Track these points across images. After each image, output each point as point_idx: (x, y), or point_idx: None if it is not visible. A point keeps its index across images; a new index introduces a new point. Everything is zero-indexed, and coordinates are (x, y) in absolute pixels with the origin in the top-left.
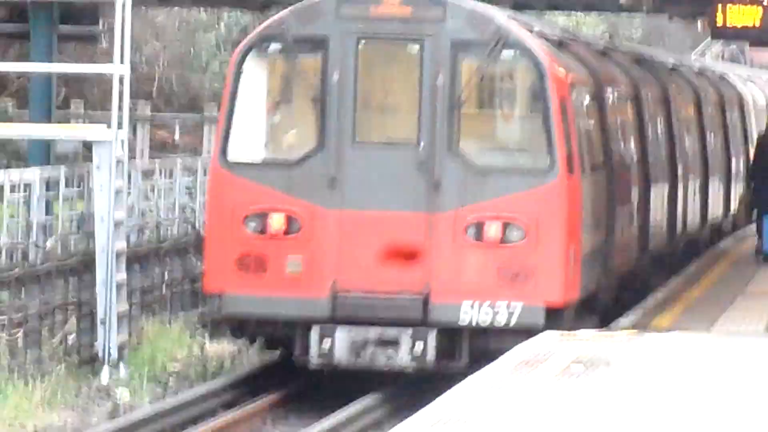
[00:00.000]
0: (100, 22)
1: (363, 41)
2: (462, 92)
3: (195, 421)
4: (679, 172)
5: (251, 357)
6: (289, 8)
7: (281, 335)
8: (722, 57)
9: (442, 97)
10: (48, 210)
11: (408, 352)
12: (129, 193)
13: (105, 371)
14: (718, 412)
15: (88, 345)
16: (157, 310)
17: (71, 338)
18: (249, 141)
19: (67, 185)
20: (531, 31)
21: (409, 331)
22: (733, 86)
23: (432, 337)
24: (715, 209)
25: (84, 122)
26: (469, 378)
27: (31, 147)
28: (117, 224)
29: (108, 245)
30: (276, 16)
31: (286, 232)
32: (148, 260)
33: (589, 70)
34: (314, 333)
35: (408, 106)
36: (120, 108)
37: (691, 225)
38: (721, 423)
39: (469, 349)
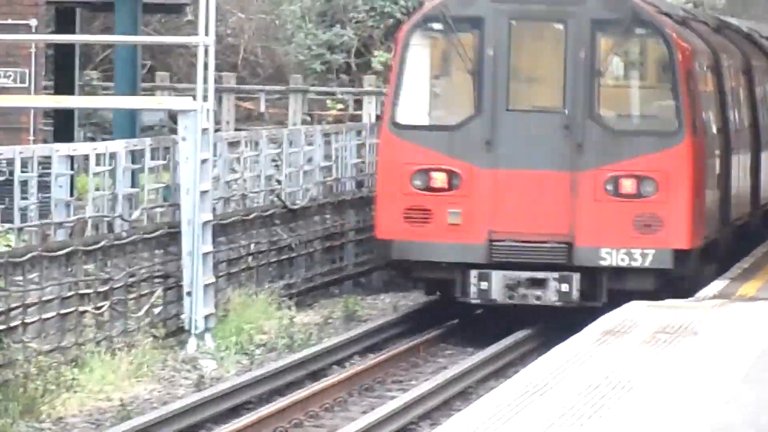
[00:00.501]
0: None
1: (514, 21)
2: (601, 65)
3: (281, 392)
4: None
5: (338, 328)
6: None
7: (443, 278)
8: None
9: (583, 69)
10: (134, 182)
11: (555, 292)
12: (214, 165)
13: (191, 342)
14: None
15: (174, 316)
16: (243, 282)
17: (158, 310)
18: (415, 108)
19: (152, 157)
20: (660, 11)
21: (556, 273)
22: None
23: (576, 279)
24: None
25: (169, 94)
26: (556, 347)
27: (117, 119)
28: (203, 195)
29: (194, 216)
30: (438, 0)
31: (447, 188)
32: (234, 231)
33: (708, 45)
34: (473, 275)
35: (554, 78)
36: (205, 79)
37: None
38: None
39: (608, 289)
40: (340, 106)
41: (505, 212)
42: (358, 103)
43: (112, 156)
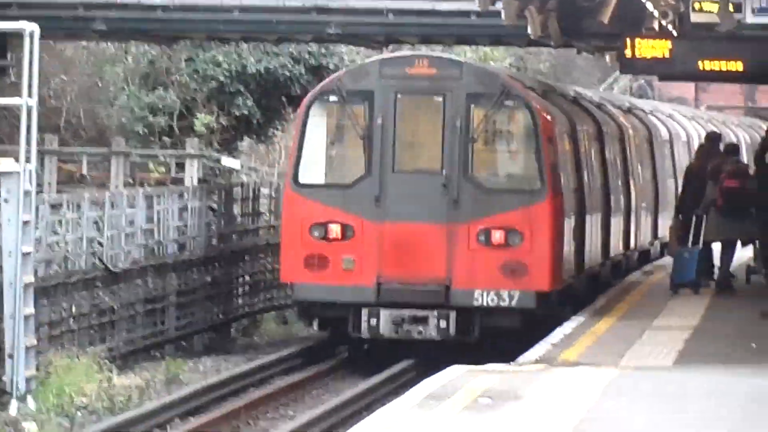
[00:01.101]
0: (8, 56)
1: (400, 94)
2: (474, 132)
3: None
4: (632, 196)
5: (159, 390)
6: (344, 70)
7: (338, 315)
8: (630, 91)
9: (459, 136)
10: None
11: (435, 328)
12: (37, 227)
13: (13, 405)
14: None
15: None
16: (65, 344)
17: None
18: (314, 169)
19: None
20: (525, 86)
21: (435, 312)
22: (662, 123)
23: (452, 317)
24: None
25: None
26: (377, 412)
27: None
28: (25, 257)
29: (16, 278)
30: (333, 75)
31: (342, 238)
32: (55, 294)
33: (565, 114)
34: (364, 313)
35: (434, 143)
36: (28, 141)
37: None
38: None
39: (480, 326)
40: (162, 169)
41: (392, 259)
42: (180, 166)
43: None
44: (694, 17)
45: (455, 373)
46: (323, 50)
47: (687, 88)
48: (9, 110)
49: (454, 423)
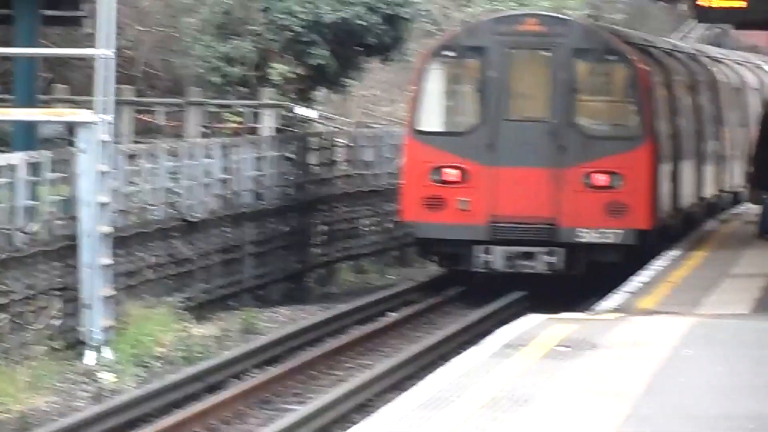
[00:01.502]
0: (82, 6)
1: (511, 49)
2: (578, 84)
3: (179, 404)
4: (724, 142)
5: (236, 340)
6: (462, 27)
7: (455, 252)
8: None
9: (565, 87)
10: (33, 194)
11: (544, 263)
12: (113, 177)
13: (90, 355)
14: (697, 395)
15: (73, 329)
16: (142, 294)
17: (57, 322)
18: (432, 118)
19: (52, 169)
20: (625, 41)
21: (545, 248)
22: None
23: (561, 252)
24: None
25: (69, 107)
26: (455, 360)
27: (15, 131)
28: (101, 208)
29: (93, 229)
30: (449, 32)
31: (458, 181)
32: (132, 244)
33: (662, 66)
34: (478, 250)
35: (542, 94)
36: (104, 92)
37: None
38: (703, 406)
39: (586, 260)
40: (238, 119)
41: (503, 200)
42: (257, 116)
43: (11, 168)
44: None
45: (532, 322)
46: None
47: (761, 37)
48: (86, 61)
49: (531, 371)
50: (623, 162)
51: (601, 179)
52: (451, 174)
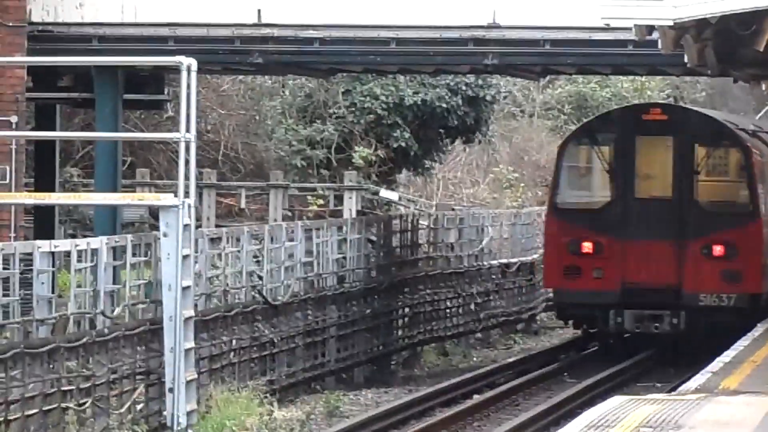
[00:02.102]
0: (166, 90)
1: (638, 136)
2: (698, 166)
3: None
4: None
5: (320, 423)
6: (595, 116)
7: (589, 315)
8: None
9: (685, 168)
10: (115, 278)
11: (668, 324)
12: (196, 261)
13: None
14: None
15: (156, 413)
16: (225, 378)
17: (140, 406)
18: (569, 196)
19: (134, 253)
20: (737, 128)
21: (668, 311)
22: None
23: (683, 315)
24: None
25: (150, 190)
26: None
27: (98, 215)
28: (184, 291)
29: (176, 312)
30: (586, 122)
31: (593, 253)
32: (215, 327)
33: None
34: (612, 313)
35: (666, 175)
36: (186, 175)
37: None
38: None
39: (705, 322)
40: (320, 201)
41: (633, 268)
42: (339, 199)
43: (94, 252)
44: None
45: (615, 402)
46: (480, 81)
47: None
48: (168, 144)
49: None
50: (737, 235)
51: (718, 250)
52: (587, 246)
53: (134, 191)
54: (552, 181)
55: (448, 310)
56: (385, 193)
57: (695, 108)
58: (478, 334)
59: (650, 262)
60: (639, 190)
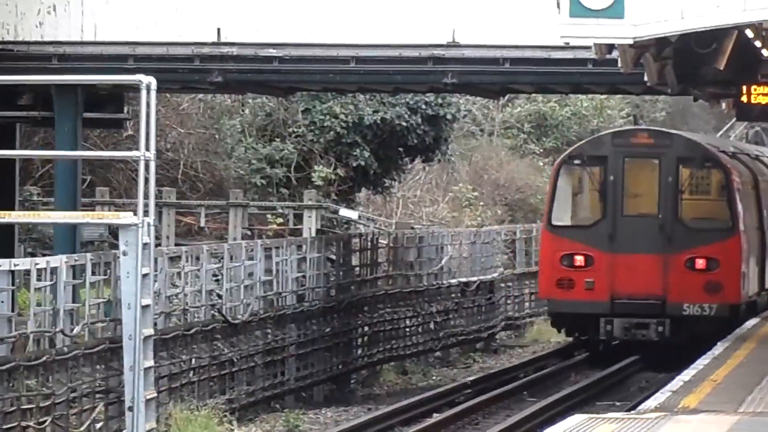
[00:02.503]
0: (125, 108)
1: (626, 158)
2: (682, 186)
3: None
4: None
5: None
6: (585, 141)
7: (581, 324)
8: (746, 138)
9: (670, 188)
10: (75, 297)
11: (654, 332)
12: (155, 279)
13: None
14: None
15: (116, 431)
16: (185, 396)
17: (99, 425)
18: (563, 214)
19: (93, 272)
20: (719, 150)
21: (655, 320)
22: None
23: (668, 323)
24: None
25: (110, 209)
26: None
27: (57, 234)
28: (144, 310)
29: (135, 331)
30: (576, 145)
31: (584, 266)
32: (175, 346)
33: (749, 169)
34: (602, 322)
35: (652, 194)
36: (146, 194)
37: None
38: None
39: (688, 330)
40: (280, 220)
41: (622, 280)
42: (299, 218)
43: (53, 271)
44: None
45: (575, 421)
46: (440, 100)
47: None
48: (127, 163)
49: None
50: (718, 249)
51: (700, 263)
52: (579, 260)
53: (94, 210)
54: (547, 199)
55: (407, 329)
56: (344, 212)
57: (679, 132)
58: (438, 353)
59: (637, 275)
60: (627, 207)
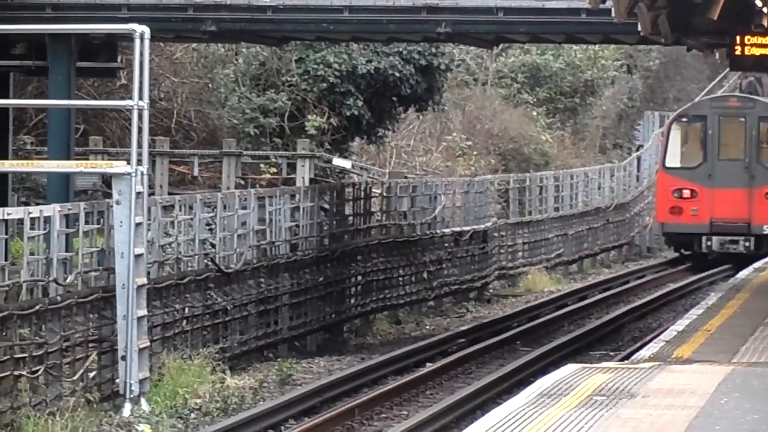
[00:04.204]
0: (119, 58)
1: (721, 117)
2: (762, 137)
3: None
4: None
5: (272, 391)
6: (691, 104)
7: (687, 241)
8: (740, 88)
9: (754, 139)
10: (68, 246)
11: (743, 246)
12: (149, 228)
13: (126, 407)
14: None
15: (109, 380)
16: (178, 345)
17: (92, 374)
18: (673, 158)
19: (87, 221)
20: None
21: (743, 237)
22: None
23: (753, 240)
24: None
25: (103, 158)
26: (492, 411)
27: (50, 183)
28: (137, 259)
29: (128, 280)
30: (684, 107)
31: (690, 197)
32: (168, 295)
33: None
34: (704, 239)
35: (740, 144)
36: (139, 143)
37: None
38: None
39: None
40: (273, 169)
41: (718, 208)
42: (292, 167)
43: (47, 220)
44: None
45: (569, 370)
46: (433, 49)
47: None
48: (121, 112)
49: (568, 421)
50: None
51: None
52: (686, 193)
53: (87, 159)
54: (661, 148)
55: (400, 279)
56: (338, 161)
57: (760, 98)
58: (431, 303)
59: (729, 204)
60: (721, 153)
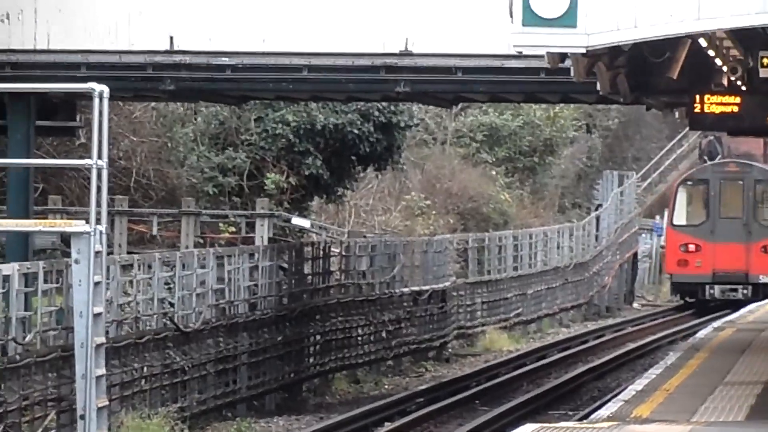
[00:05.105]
0: (77, 117)
1: (722, 180)
2: (758, 198)
3: None
4: None
5: None
6: (695, 168)
7: (693, 290)
8: (699, 147)
9: (751, 200)
10: (27, 305)
11: (741, 294)
12: (107, 288)
13: None
14: None
15: None
16: (136, 404)
17: None
18: (680, 217)
19: (45, 280)
20: None
21: (741, 286)
22: None
23: (750, 288)
24: None
25: (62, 217)
26: None
27: (9, 242)
28: (96, 318)
29: (87, 339)
30: (690, 171)
31: (695, 251)
32: (127, 354)
33: None
34: (707, 288)
35: (739, 203)
36: (98, 202)
37: None
38: None
39: (763, 293)
40: (232, 228)
41: (719, 260)
42: (251, 226)
43: (5, 279)
44: (763, 72)
45: (527, 430)
46: (392, 107)
47: (756, 144)
48: (80, 171)
49: None
50: None
51: None
52: (692, 247)
53: (46, 218)
54: (669, 207)
55: (359, 338)
56: (296, 221)
57: (756, 163)
58: (390, 362)
59: (730, 257)
60: (722, 212)
